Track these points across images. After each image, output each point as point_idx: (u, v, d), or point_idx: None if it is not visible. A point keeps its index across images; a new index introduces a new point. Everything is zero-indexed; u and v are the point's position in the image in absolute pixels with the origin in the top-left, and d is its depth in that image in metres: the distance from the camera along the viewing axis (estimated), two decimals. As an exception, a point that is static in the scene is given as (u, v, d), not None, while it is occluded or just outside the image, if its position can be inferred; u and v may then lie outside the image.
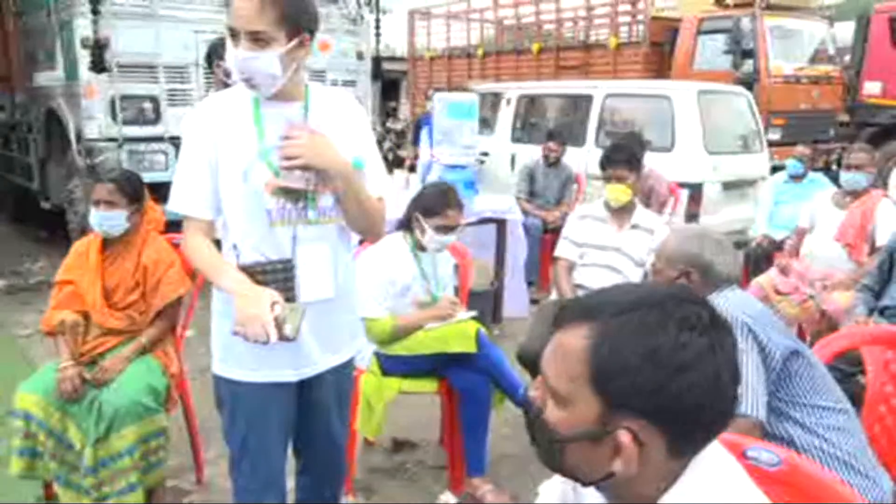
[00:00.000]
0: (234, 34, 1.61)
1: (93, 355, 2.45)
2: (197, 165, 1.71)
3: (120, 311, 2.49)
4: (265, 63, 1.60)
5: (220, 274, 1.68)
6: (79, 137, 5.41)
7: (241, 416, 1.80)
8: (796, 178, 5.09)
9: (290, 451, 1.96)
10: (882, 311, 3.04)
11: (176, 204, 1.74)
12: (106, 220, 2.46)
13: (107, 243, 2.53)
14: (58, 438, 2.35)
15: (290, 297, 1.70)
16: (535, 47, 10.95)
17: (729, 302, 1.82)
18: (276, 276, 1.70)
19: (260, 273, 1.69)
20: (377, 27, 6.58)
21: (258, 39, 1.59)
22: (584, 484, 0.96)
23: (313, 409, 1.90)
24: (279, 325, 1.56)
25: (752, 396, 1.68)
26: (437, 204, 2.72)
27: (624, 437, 0.87)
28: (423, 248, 2.76)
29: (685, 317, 0.88)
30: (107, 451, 2.28)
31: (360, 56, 6.41)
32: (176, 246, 2.52)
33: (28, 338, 4.28)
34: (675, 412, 0.86)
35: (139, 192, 2.54)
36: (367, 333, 2.58)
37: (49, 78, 5.94)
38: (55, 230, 6.37)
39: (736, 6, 8.86)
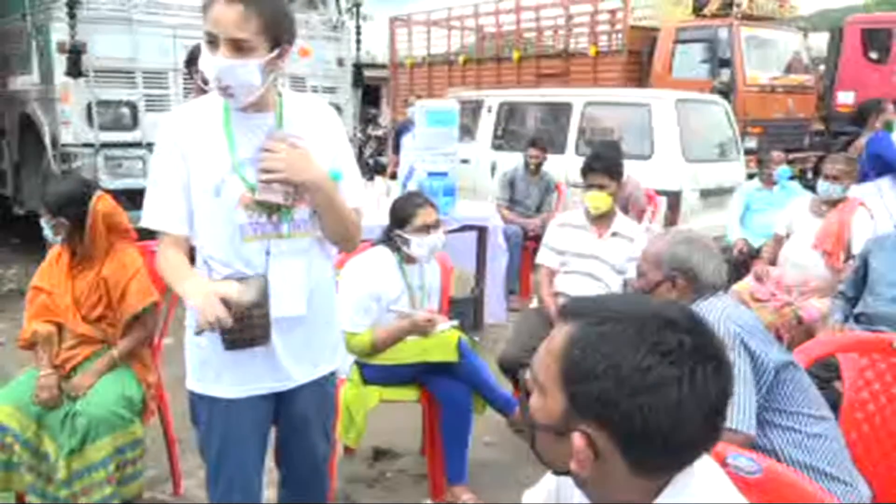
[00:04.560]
0: (213, 40, 1.56)
1: (67, 370, 2.39)
2: (168, 179, 1.67)
3: (90, 323, 2.44)
4: (245, 71, 1.55)
5: (180, 280, 1.64)
6: (54, 143, 5.33)
7: (216, 431, 1.77)
8: (769, 184, 5.14)
9: (272, 462, 1.94)
10: (857, 318, 3.08)
11: (148, 220, 1.70)
12: (45, 227, 2.44)
13: (75, 252, 2.46)
14: (33, 450, 2.30)
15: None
16: (515, 55, 11.00)
17: (718, 311, 1.79)
18: None
19: None
20: (358, 33, 6.59)
21: (239, 48, 1.54)
22: (555, 473, 0.99)
23: (292, 422, 1.86)
24: (238, 296, 1.54)
25: (745, 412, 1.66)
26: (405, 209, 2.71)
27: (578, 438, 0.89)
28: (410, 262, 2.74)
29: (660, 342, 0.87)
30: (81, 463, 2.23)
31: (340, 63, 6.40)
32: (152, 253, 2.46)
33: (1, 346, 4.20)
34: (628, 429, 0.87)
35: (62, 206, 2.40)
36: (346, 347, 2.55)
37: (24, 82, 5.85)
38: (29, 237, 6.26)
39: (713, 16, 9.00)
